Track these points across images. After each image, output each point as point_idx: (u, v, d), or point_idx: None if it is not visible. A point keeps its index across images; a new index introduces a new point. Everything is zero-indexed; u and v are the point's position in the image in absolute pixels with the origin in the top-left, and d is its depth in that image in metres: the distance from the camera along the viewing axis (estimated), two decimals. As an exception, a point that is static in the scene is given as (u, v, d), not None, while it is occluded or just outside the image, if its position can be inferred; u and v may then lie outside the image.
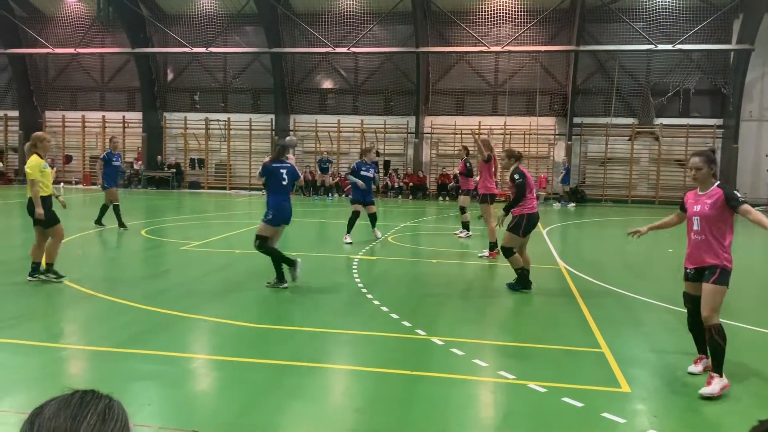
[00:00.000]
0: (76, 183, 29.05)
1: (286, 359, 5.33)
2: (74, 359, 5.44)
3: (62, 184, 28.38)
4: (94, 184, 28.09)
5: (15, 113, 29.50)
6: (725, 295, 4.84)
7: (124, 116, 29.15)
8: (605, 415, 4.29)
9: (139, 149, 28.68)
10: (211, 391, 4.83)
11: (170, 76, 29.34)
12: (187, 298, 7.54)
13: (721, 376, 4.71)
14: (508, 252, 8.16)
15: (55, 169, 9.42)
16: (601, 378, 5.07)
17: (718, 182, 4.97)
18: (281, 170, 8.13)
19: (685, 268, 5.07)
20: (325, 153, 26.62)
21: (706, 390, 4.64)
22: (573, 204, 23.92)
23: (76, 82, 29.77)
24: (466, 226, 13.40)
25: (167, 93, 29.18)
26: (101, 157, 14.09)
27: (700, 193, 4.97)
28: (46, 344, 5.65)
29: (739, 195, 4.90)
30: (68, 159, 29.43)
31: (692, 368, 5.19)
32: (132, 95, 29.34)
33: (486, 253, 10.87)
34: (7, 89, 30.07)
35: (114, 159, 13.83)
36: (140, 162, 28.29)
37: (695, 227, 4.92)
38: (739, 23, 23.53)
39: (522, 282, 8.18)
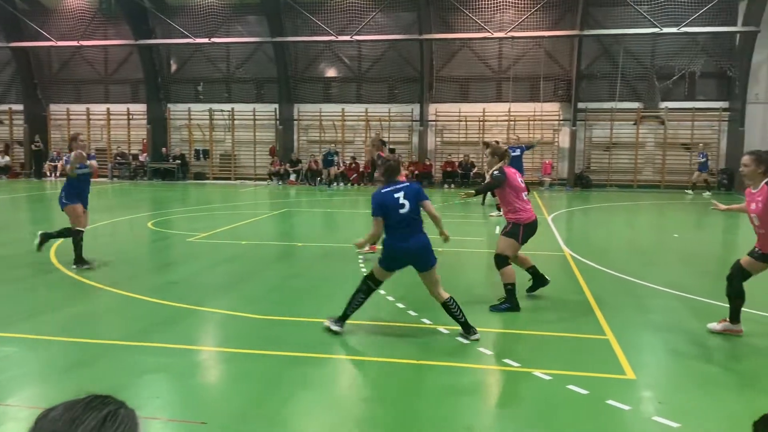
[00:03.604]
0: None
1: (296, 350, 5.37)
2: (83, 353, 5.47)
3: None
4: (102, 176, 28.06)
5: (20, 107, 29.52)
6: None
7: (128, 108, 29.15)
8: (610, 402, 4.32)
9: (144, 141, 28.74)
10: (219, 383, 4.88)
11: (174, 68, 29.30)
12: (195, 290, 7.59)
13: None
14: (502, 261, 6.88)
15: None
16: (606, 365, 5.10)
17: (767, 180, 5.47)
18: (395, 195, 5.73)
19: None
20: (332, 145, 26.47)
21: (711, 324, 5.94)
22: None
23: (79, 75, 29.75)
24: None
25: (171, 84, 29.16)
26: (64, 160, 9.57)
27: (753, 190, 5.58)
28: (55, 338, 5.72)
29: None
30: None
31: (712, 325, 5.95)
32: (136, 87, 29.32)
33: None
34: (11, 83, 30.09)
35: (78, 165, 8.78)
36: (145, 154, 28.36)
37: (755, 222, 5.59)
38: (745, 5, 23.27)
39: (510, 300, 6.78)
